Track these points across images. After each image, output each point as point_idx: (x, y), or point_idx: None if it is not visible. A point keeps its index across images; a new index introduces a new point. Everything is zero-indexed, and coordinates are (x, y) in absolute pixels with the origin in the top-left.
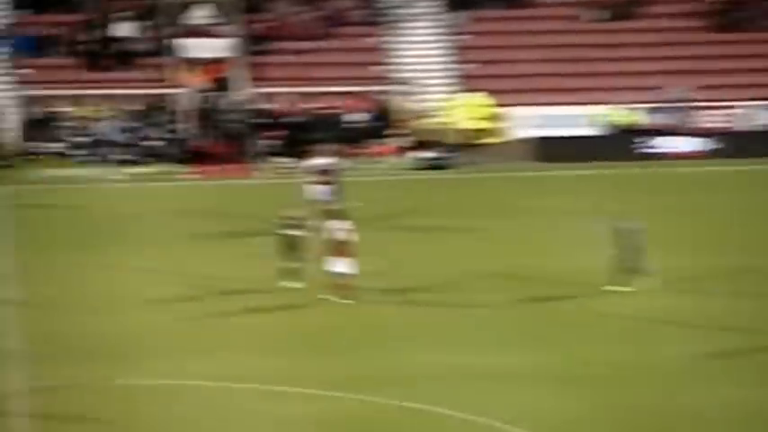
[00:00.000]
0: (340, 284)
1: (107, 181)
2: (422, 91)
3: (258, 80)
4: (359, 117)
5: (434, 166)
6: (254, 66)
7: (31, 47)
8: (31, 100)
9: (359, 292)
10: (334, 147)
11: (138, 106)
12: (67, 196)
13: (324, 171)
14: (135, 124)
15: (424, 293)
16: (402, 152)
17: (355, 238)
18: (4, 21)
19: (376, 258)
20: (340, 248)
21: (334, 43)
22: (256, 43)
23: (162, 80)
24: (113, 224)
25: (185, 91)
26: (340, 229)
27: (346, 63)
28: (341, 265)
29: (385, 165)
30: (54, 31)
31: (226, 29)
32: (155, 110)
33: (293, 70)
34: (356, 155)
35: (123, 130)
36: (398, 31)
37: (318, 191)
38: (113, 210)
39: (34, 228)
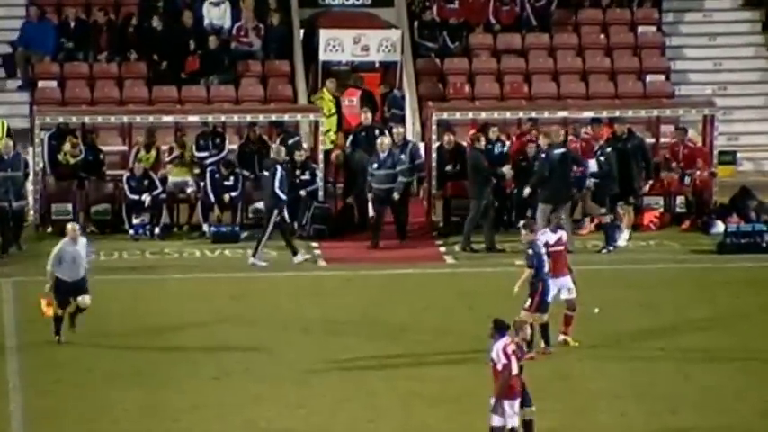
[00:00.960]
0: None
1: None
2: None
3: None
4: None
5: (737, 246)
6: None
7: (46, 42)
8: (59, 132)
9: None
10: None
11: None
12: (112, 295)
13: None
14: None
15: None
16: (683, 222)
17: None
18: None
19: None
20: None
21: (564, 36)
22: (428, 37)
23: (281, 101)
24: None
25: (320, 119)
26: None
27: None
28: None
29: (638, 243)
30: (85, 16)
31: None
32: (259, 152)
33: (486, 83)
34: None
35: (216, 185)
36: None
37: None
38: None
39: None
